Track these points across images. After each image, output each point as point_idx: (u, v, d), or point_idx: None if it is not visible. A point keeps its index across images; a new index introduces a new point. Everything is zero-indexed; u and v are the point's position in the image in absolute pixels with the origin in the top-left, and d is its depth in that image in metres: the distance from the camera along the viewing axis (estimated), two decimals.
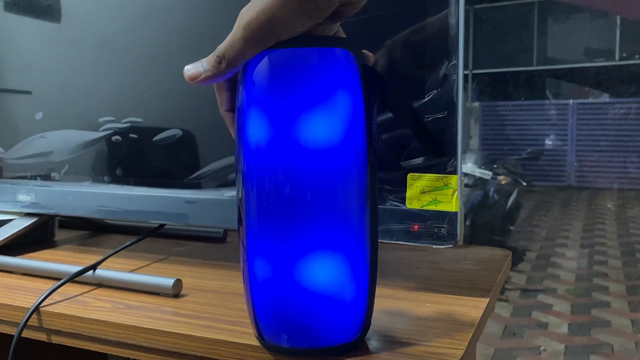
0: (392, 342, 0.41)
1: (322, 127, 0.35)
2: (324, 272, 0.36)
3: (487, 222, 3.59)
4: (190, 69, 0.38)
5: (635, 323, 2.70)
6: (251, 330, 0.41)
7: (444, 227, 0.49)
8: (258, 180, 0.36)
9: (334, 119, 0.35)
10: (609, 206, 6.17)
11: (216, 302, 0.50)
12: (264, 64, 0.36)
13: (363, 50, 0.38)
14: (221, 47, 0.36)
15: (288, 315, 0.37)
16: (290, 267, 0.36)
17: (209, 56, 0.37)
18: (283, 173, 0.35)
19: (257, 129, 0.36)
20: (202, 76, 0.37)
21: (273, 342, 0.38)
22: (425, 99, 0.49)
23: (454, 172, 0.49)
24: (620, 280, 3.39)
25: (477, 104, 7.84)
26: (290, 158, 0.35)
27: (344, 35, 0.40)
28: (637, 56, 7.10)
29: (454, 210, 0.49)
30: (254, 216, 0.37)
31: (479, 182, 3.56)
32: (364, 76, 0.37)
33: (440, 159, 0.48)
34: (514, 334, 2.58)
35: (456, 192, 0.49)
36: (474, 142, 7.58)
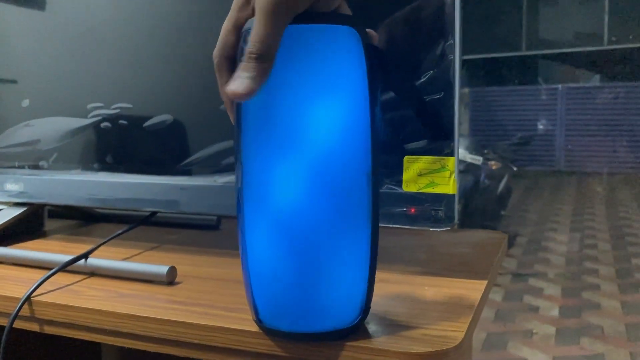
0: (392, 325, 0.40)
1: (325, 107, 0.34)
2: (323, 256, 0.35)
3: (479, 207, 3.60)
4: (235, 86, 0.34)
5: (625, 305, 2.73)
6: (248, 316, 0.40)
7: (441, 209, 0.49)
8: (258, 166, 0.35)
9: (337, 99, 0.34)
10: (598, 190, 6.22)
11: (211, 289, 0.50)
12: None
13: (367, 29, 0.37)
14: (251, 48, 0.34)
15: (287, 299, 0.36)
16: (289, 252, 0.35)
17: (242, 64, 0.34)
18: (283, 156, 0.34)
19: (258, 110, 0.35)
20: (251, 84, 0.34)
21: (271, 325, 0.38)
22: (422, 80, 0.48)
23: (451, 154, 0.48)
24: (610, 263, 3.42)
25: (467, 89, 7.84)
26: (291, 140, 0.34)
27: (348, 11, 0.39)
28: (630, 37, 7.11)
29: (451, 193, 0.48)
30: (254, 203, 0.36)
31: (470, 168, 3.57)
32: (369, 55, 0.36)
33: (438, 140, 0.48)
34: (506, 318, 2.60)
35: (453, 174, 0.48)
36: (464, 128, 7.59)
